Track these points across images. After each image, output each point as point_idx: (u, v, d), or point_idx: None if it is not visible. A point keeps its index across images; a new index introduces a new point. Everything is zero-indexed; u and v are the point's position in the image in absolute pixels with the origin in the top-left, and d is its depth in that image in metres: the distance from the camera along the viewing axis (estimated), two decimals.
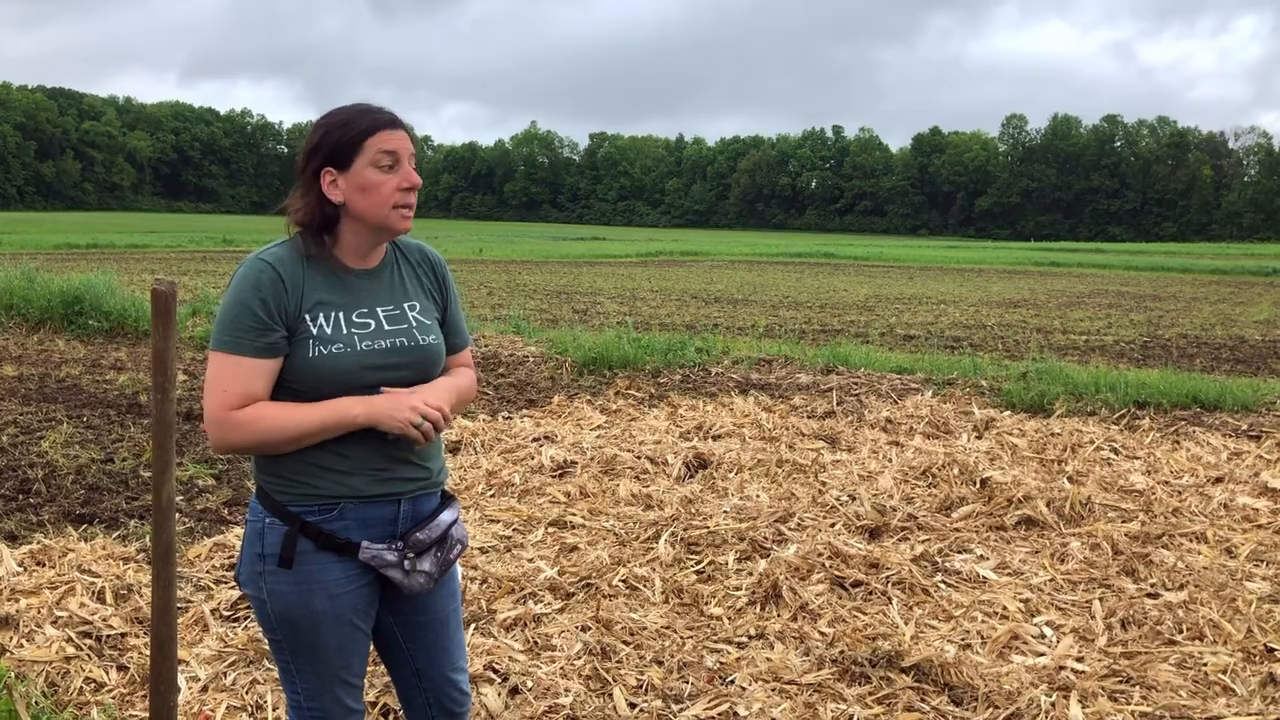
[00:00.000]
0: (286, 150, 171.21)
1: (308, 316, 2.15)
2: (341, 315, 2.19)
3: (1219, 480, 6.30)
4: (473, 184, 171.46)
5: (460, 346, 2.45)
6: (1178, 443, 7.32)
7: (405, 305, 2.29)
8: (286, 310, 2.14)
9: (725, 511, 5.43)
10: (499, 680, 3.60)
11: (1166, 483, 6.21)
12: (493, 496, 5.83)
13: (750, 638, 4.05)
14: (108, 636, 3.84)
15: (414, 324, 2.27)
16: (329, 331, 2.16)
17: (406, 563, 2.23)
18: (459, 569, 2.47)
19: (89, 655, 3.70)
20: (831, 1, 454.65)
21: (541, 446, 6.78)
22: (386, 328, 2.23)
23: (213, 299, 14.53)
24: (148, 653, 3.65)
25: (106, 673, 3.61)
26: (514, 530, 5.24)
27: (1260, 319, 19.69)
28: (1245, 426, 7.97)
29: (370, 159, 2.16)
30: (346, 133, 2.16)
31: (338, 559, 2.21)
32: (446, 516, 2.32)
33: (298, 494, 2.19)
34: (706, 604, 4.35)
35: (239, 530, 5.14)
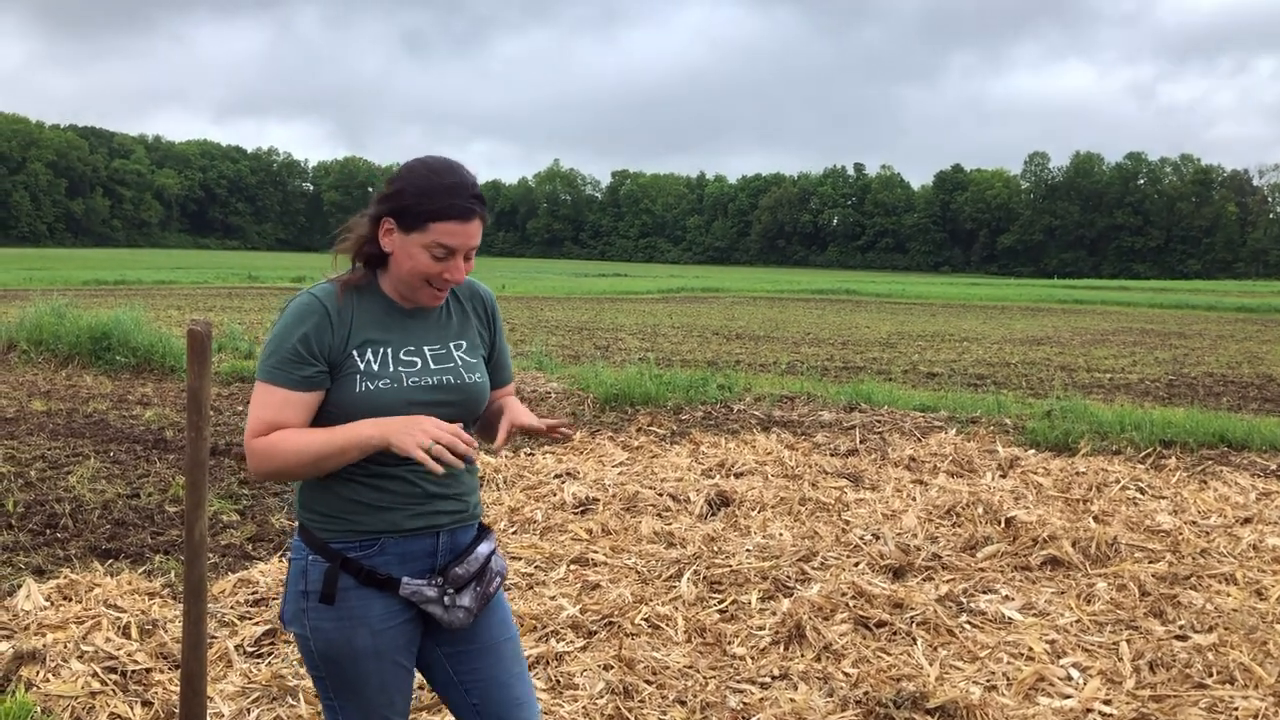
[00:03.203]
0: (312, 188, 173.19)
1: (355, 353, 2.19)
2: (389, 352, 2.22)
3: (1247, 521, 6.23)
4: (496, 221, 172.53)
5: (505, 382, 2.48)
6: (1205, 482, 7.25)
7: (451, 344, 2.32)
8: (331, 346, 2.17)
9: (748, 550, 5.41)
10: None
11: (1194, 523, 6.15)
12: (514, 533, 5.84)
13: (774, 678, 4.02)
14: (133, 672, 3.86)
15: (460, 363, 2.30)
16: (376, 368, 2.19)
17: (446, 598, 2.25)
18: (505, 598, 2.46)
19: (114, 690, 3.72)
20: (854, 41, 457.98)
21: (563, 483, 6.79)
22: (433, 366, 2.26)
23: (238, 335, 14.67)
24: (172, 688, 3.67)
25: (131, 708, 3.62)
26: (536, 567, 5.24)
27: None
28: (1274, 466, 7.89)
29: (427, 241, 2.16)
30: (419, 203, 2.15)
31: (379, 595, 2.23)
32: (484, 549, 2.33)
33: (338, 530, 2.22)
34: (729, 643, 4.33)
35: (263, 566, 5.17)
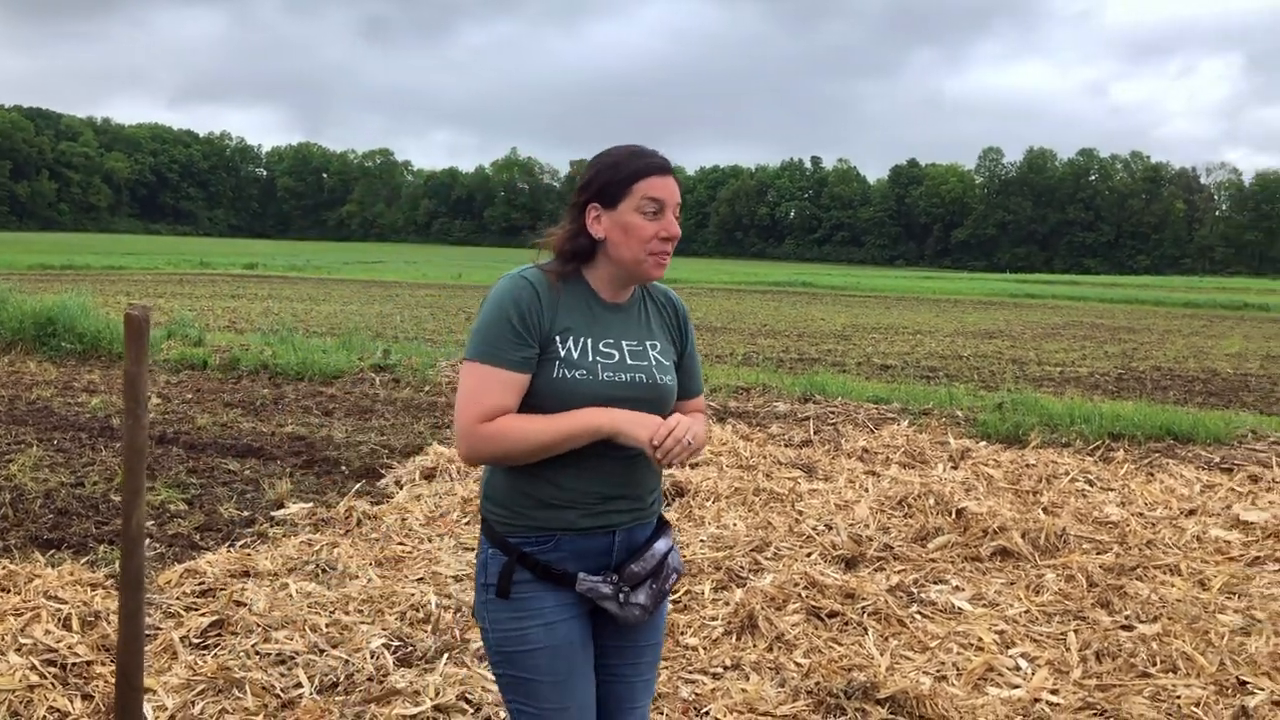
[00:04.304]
0: (265, 174, 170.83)
1: (558, 338, 2.20)
2: (588, 342, 2.23)
3: (1192, 512, 6.34)
4: (453, 209, 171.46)
5: (696, 392, 2.49)
6: (1152, 475, 7.37)
7: (648, 343, 2.33)
8: (540, 328, 2.18)
9: (702, 540, 5.41)
10: (472, 711, 3.56)
11: (1140, 514, 6.25)
12: (468, 524, 5.79)
13: (726, 668, 4.03)
14: (73, 665, 3.78)
15: (654, 362, 2.31)
16: (575, 356, 2.20)
17: (621, 595, 2.24)
18: (665, 603, 2.43)
19: (53, 684, 3.64)
20: (815, 36, 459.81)
21: None
22: (629, 361, 2.26)
23: (188, 322, 14.43)
24: (114, 681, 3.60)
25: (71, 702, 3.54)
26: None
27: (1231, 352, 19.91)
28: (1217, 459, 8.03)
29: (635, 203, 2.21)
30: (616, 174, 2.23)
31: (552, 589, 2.23)
32: (660, 546, 2.31)
33: (516, 525, 2.23)
34: (682, 634, 4.32)
35: (210, 556, 5.08)
